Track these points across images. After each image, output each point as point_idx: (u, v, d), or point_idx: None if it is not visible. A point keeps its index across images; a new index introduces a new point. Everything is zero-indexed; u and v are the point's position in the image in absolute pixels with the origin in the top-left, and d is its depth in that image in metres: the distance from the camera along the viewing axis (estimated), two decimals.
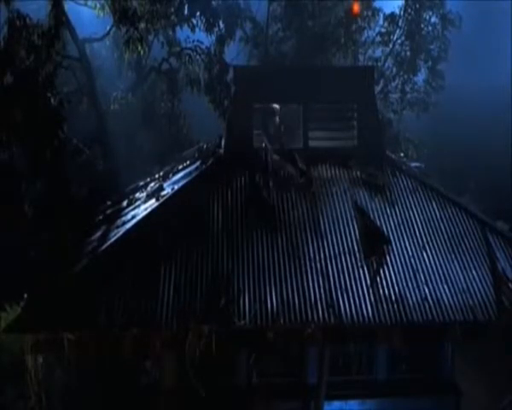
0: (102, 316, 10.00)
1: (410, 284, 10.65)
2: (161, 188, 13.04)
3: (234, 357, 10.49)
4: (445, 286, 10.66)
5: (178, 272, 10.63)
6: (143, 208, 12.50)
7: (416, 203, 12.15)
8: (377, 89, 19.98)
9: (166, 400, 10.58)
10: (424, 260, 11.01)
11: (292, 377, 10.66)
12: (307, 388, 10.38)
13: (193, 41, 21.66)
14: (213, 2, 21.43)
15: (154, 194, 12.82)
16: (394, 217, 11.79)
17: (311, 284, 10.48)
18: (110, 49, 22.43)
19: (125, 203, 13.83)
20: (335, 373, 10.30)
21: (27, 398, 10.46)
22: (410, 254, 11.10)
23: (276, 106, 11.76)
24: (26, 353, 10.01)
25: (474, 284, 10.75)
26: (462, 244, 11.40)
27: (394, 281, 10.66)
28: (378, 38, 22.79)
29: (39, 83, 17.43)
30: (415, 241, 11.34)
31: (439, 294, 10.53)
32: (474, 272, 10.95)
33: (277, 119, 10.77)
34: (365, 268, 10.80)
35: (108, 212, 14.00)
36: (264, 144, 12.47)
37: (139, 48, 19.37)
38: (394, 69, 22.68)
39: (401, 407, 10.64)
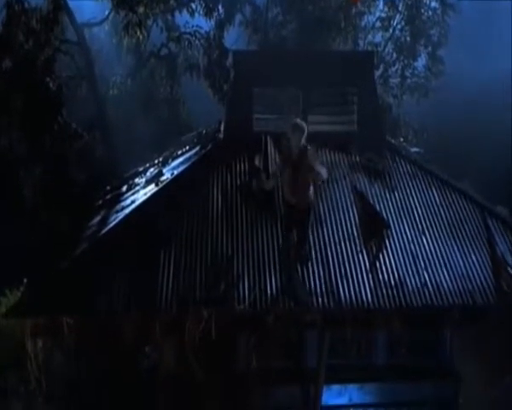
0: (102, 300, 10.02)
1: (409, 269, 10.66)
2: (161, 173, 13.01)
3: (233, 341, 10.49)
4: (445, 271, 10.68)
5: (178, 256, 10.63)
6: (143, 193, 12.49)
7: (416, 188, 12.13)
8: (377, 74, 19.86)
9: (166, 383, 10.60)
10: (424, 246, 11.01)
11: (291, 361, 10.68)
12: (306, 372, 10.40)
13: (192, 26, 21.60)
14: None
15: (154, 179, 12.80)
16: (394, 202, 11.78)
17: (310, 269, 10.50)
18: (109, 33, 22.33)
19: (124, 188, 13.83)
20: (335, 357, 10.33)
21: (28, 382, 10.48)
22: (410, 239, 11.09)
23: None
24: (26, 337, 10.03)
25: (474, 269, 10.78)
26: (462, 229, 11.40)
27: (394, 266, 10.67)
28: (378, 23, 22.69)
29: (38, 68, 17.41)
30: (414, 226, 11.34)
31: (438, 279, 10.55)
32: (473, 256, 10.96)
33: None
34: (365, 253, 10.80)
35: (108, 197, 14.01)
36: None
37: (138, 33, 19.33)
38: (394, 54, 22.56)
39: (400, 391, 10.66)
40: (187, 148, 14.55)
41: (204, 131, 15.41)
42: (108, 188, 15.11)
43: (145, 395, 10.63)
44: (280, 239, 10.80)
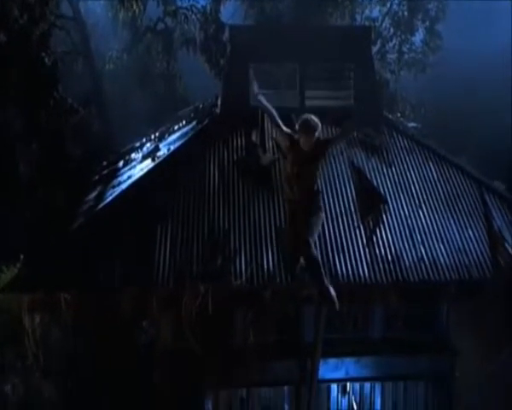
0: (99, 275, 10.01)
1: (406, 244, 10.68)
2: (157, 148, 12.97)
3: (230, 316, 10.51)
4: (441, 246, 10.70)
5: (175, 231, 10.63)
6: (139, 169, 12.46)
7: (413, 163, 12.12)
8: (374, 49, 19.74)
9: (163, 358, 10.64)
10: (420, 220, 11.02)
11: (288, 335, 10.72)
12: (303, 346, 10.42)
13: (188, 0, 21.45)
14: None
15: (150, 154, 12.76)
16: (391, 177, 11.77)
17: None
18: (105, 7, 22.16)
19: (120, 164, 13.78)
20: (331, 332, 10.34)
21: (25, 358, 10.50)
22: (407, 213, 11.10)
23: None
24: (23, 313, 10.04)
25: (470, 244, 10.80)
26: (459, 204, 11.41)
27: (390, 241, 10.70)
28: None
29: (33, 43, 17.27)
30: (411, 201, 11.34)
31: (434, 253, 10.58)
32: (470, 231, 10.99)
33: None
34: (361, 228, 10.81)
35: (104, 172, 13.97)
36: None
37: (134, 6, 19.21)
38: (392, 29, 22.44)
39: (396, 364, 10.70)
40: (183, 123, 14.48)
41: (200, 106, 15.35)
42: (105, 163, 15.07)
43: (142, 369, 10.67)
44: (277, 214, 10.83)
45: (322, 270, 8.27)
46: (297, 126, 8.29)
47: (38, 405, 10.95)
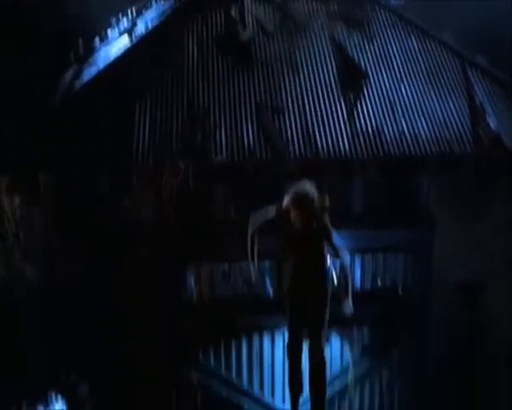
0: (78, 156, 9.92)
1: (387, 118, 10.64)
2: (135, 25, 12.62)
3: (211, 193, 10.51)
4: (423, 119, 10.67)
5: (154, 109, 10.53)
6: (117, 47, 12.14)
7: (395, 38, 11.91)
8: None
9: (145, 235, 10.69)
10: (402, 94, 10.94)
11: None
12: None
13: None
14: None
15: (128, 31, 12.42)
16: (372, 51, 11.59)
17: (287, 119, 10.44)
18: None
19: (97, 41, 13.39)
20: None
21: (5, 238, 10.50)
22: (388, 88, 11.01)
23: None
24: (2, 194, 9.99)
25: (451, 117, 10.77)
26: (441, 78, 11.30)
27: (372, 115, 10.65)
28: None
29: None
30: (393, 75, 11.22)
31: (416, 127, 10.56)
32: (451, 105, 10.93)
33: None
34: (342, 103, 10.74)
35: (80, 49, 13.58)
36: None
37: None
38: None
39: (376, 237, 10.80)
40: None
41: None
42: (80, 40, 14.66)
43: (125, 249, 10.72)
44: (257, 90, 10.71)
45: None
46: (288, 199, 6.86)
47: (19, 286, 11.02)
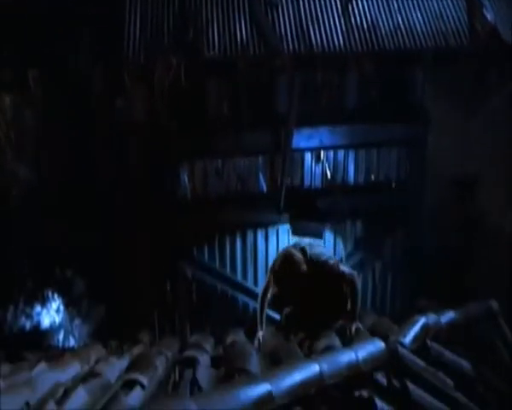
0: (68, 54, 9.77)
1: (382, 12, 10.39)
2: None
3: (204, 89, 10.40)
4: (418, 13, 10.42)
5: (144, 5, 10.22)
6: None
7: None
8: None
9: (139, 135, 10.65)
10: None
11: (262, 106, 10.69)
12: (277, 116, 10.47)
13: None
14: None
15: None
16: None
17: (280, 14, 10.22)
18: None
19: None
20: (305, 102, 10.36)
21: None
22: None
23: None
24: None
25: (448, 10, 10.51)
26: None
27: (366, 9, 10.38)
28: None
29: None
30: None
31: (411, 21, 10.33)
32: None
33: None
34: None
35: None
36: None
37: None
38: None
39: (370, 132, 10.79)
40: None
41: None
42: None
43: (117, 147, 10.69)
44: None
45: None
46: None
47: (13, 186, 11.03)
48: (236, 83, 10.10)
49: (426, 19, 10.42)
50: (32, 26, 10.02)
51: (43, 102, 10.44)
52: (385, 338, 5.33)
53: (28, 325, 10.87)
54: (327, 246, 11.06)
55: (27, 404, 4.38)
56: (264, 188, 11.06)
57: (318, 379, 4.49)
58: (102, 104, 10.51)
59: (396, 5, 10.51)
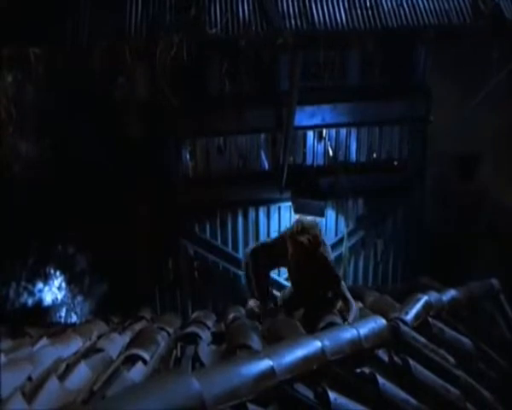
0: (69, 29, 9.69)
1: None
2: None
3: (206, 67, 10.40)
4: None
5: None
6: None
7: None
8: None
9: (140, 112, 10.65)
10: None
11: (264, 84, 10.68)
12: (280, 94, 10.47)
13: None
14: None
15: None
16: None
17: None
18: None
19: None
20: (308, 80, 10.34)
21: None
22: None
23: None
24: None
25: None
26: None
27: None
28: None
29: None
30: None
31: None
32: None
33: None
34: None
35: None
36: None
37: None
38: None
39: (372, 110, 10.81)
40: None
41: None
42: None
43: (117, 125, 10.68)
44: None
45: None
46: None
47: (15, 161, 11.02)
48: (238, 61, 10.08)
49: None
50: (32, 1, 9.98)
51: (44, 78, 10.42)
52: (386, 316, 5.36)
53: (30, 301, 10.92)
54: (328, 225, 11.11)
55: (29, 379, 4.40)
56: (266, 165, 11.08)
57: (320, 355, 4.51)
58: (104, 81, 10.49)
59: None
